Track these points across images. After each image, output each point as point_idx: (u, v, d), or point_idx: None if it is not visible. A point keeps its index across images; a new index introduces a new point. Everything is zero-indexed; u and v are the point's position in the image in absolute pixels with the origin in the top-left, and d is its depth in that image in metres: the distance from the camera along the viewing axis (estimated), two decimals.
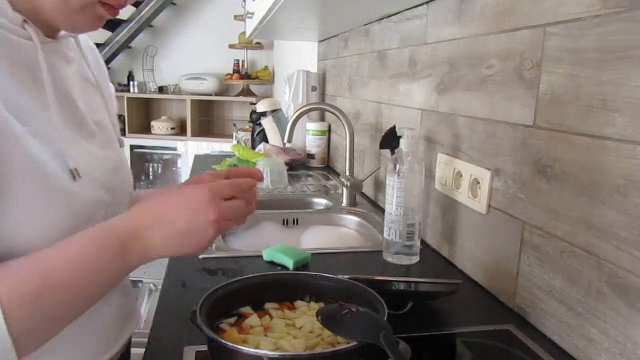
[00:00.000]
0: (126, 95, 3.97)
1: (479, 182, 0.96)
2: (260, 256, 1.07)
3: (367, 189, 1.66)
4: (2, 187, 0.49)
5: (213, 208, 0.54)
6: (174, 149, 4.09)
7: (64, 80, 0.61)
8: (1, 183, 0.49)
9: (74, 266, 0.51)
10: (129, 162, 0.74)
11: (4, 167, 0.49)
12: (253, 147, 2.35)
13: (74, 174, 0.56)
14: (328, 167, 2.20)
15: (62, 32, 0.63)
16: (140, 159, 4.14)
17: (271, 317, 0.67)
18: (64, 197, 0.55)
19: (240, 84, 4.34)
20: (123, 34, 3.83)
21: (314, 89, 2.31)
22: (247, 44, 4.17)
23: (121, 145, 0.72)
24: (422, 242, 1.18)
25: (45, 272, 0.50)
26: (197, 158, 2.44)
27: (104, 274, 0.53)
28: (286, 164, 1.91)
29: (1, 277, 0.47)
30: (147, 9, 3.78)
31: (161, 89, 4.29)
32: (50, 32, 0.60)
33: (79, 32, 0.62)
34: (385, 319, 0.59)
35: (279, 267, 1.03)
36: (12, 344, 0.46)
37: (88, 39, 0.73)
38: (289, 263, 1.02)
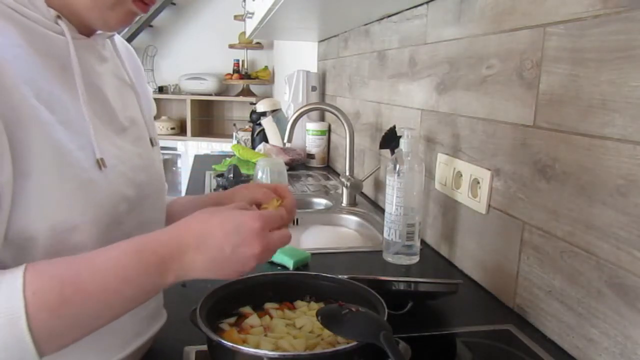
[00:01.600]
0: None
1: (479, 182, 0.96)
2: None
3: (367, 189, 1.66)
4: (23, 172, 0.50)
5: (261, 241, 0.54)
6: (174, 149, 4.09)
7: (96, 76, 0.62)
8: (22, 168, 0.49)
9: (106, 276, 0.50)
10: (161, 163, 0.74)
11: (25, 153, 0.50)
12: (253, 147, 2.35)
13: (100, 164, 0.56)
14: (328, 167, 2.20)
15: (98, 32, 0.63)
16: None
17: (271, 317, 0.67)
18: (87, 186, 0.55)
19: (240, 84, 4.34)
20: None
21: (314, 89, 2.31)
22: (247, 44, 4.17)
23: (154, 144, 0.71)
24: (422, 242, 1.18)
25: (74, 278, 0.49)
26: (197, 158, 2.44)
27: (135, 288, 0.52)
28: (286, 164, 1.91)
29: (29, 278, 0.47)
30: None
31: (161, 89, 4.29)
32: (85, 30, 0.60)
33: (111, 29, 0.62)
34: (385, 319, 0.59)
35: (279, 267, 1.03)
36: (33, 345, 0.46)
37: (126, 42, 0.74)
38: (289, 263, 1.02)
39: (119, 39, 0.71)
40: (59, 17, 0.56)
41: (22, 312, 0.45)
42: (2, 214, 0.48)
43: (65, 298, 0.48)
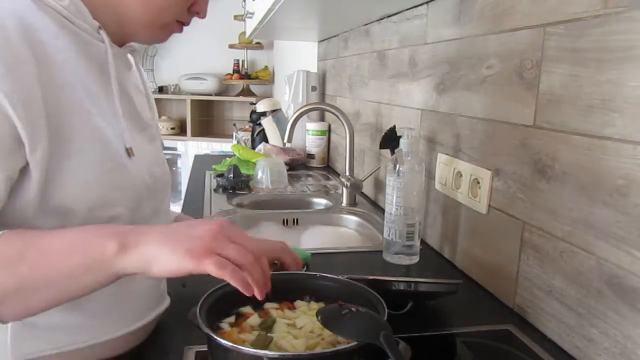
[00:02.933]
0: None
1: (479, 182, 0.96)
2: None
3: (367, 189, 1.66)
4: (68, 153, 0.58)
5: (218, 223, 0.57)
6: (174, 149, 4.09)
7: (125, 81, 0.71)
8: (67, 150, 0.58)
9: (64, 236, 0.55)
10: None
11: (71, 137, 0.58)
12: (253, 147, 2.35)
13: (129, 152, 0.65)
14: (328, 167, 2.20)
15: (128, 44, 0.72)
16: None
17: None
18: (120, 169, 0.64)
19: (240, 84, 4.34)
20: None
21: (314, 89, 2.31)
22: (247, 44, 4.17)
23: (162, 147, 0.81)
24: (422, 242, 1.18)
25: (36, 239, 0.54)
26: (197, 158, 2.44)
27: (89, 255, 0.53)
28: (286, 164, 1.91)
29: (3, 237, 0.53)
30: None
31: (161, 89, 4.28)
32: (118, 42, 0.69)
33: (151, 44, 0.77)
34: (385, 319, 0.59)
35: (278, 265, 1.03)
36: None
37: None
38: None
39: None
40: (100, 28, 0.65)
41: None
42: (31, 185, 0.55)
43: (23, 254, 0.53)
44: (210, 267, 0.53)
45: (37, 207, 0.57)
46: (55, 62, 0.58)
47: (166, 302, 0.78)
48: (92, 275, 0.54)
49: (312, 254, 1.08)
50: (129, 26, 0.67)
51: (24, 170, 0.56)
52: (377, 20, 1.54)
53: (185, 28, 0.74)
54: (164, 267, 0.54)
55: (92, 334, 0.65)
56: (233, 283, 0.54)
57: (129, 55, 0.75)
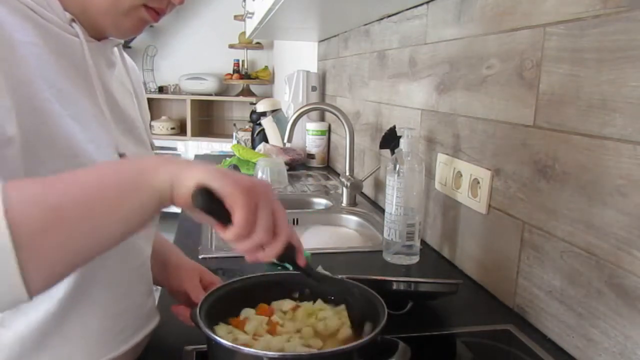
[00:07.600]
0: None
1: (479, 182, 0.96)
2: None
3: (367, 189, 1.66)
4: (36, 161, 0.51)
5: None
6: (174, 149, 4.09)
7: (105, 78, 0.64)
8: (35, 156, 0.51)
9: (86, 172, 0.48)
10: None
11: (37, 142, 0.51)
12: (253, 147, 2.35)
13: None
14: (328, 167, 2.20)
15: (109, 38, 0.65)
16: None
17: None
18: None
19: (240, 84, 4.34)
20: None
21: (314, 89, 2.31)
22: (247, 44, 4.17)
23: (153, 148, 0.74)
24: (422, 242, 1.18)
25: (52, 177, 0.46)
26: (197, 158, 2.44)
27: (124, 174, 0.48)
28: (286, 164, 1.91)
29: (10, 184, 0.44)
30: None
31: (161, 89, 4.29)
32: (95, 35, 0.63)
33: (122, 36, 0.64)
34: (385, 319, 0.59)
35: (279, 267, 1.03)
36: (12, 244, 0.40)
37: (130, 59, 0.76)
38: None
39: (126, 56, 0.73)
40: (73, 20, 0.58)
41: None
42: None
43: (47, 186, 0.44)
44: (240, 212, 0.48)
45: None
46: (16, 57, 0.50)
47: (156, 319, 0.74)
48: (132, 195, 0.47)
49: (312, 254, 1.08)
50: (93, 15, 0.59)
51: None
52: (377, 20, 1.54)
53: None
54: (195, 178, 0.47)
55: (78, 358, 0.60)
56: (241, 249, 0.50)
57: (115, 49, 0.68)
